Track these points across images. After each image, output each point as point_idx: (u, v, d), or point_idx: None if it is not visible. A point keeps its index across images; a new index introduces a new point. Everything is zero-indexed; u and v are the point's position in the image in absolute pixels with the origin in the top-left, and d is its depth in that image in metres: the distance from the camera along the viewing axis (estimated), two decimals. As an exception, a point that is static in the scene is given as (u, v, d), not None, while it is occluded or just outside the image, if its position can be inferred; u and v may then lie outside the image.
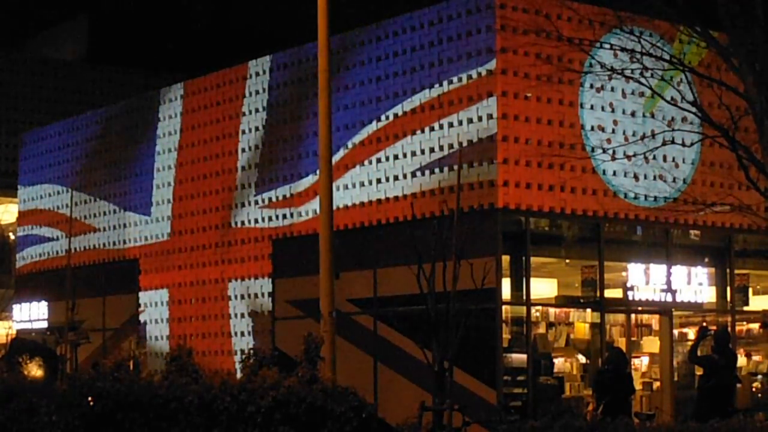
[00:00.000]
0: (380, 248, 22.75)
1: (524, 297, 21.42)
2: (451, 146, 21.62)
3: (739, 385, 20.59)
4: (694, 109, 16.06)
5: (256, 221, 25.89)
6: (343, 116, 23.60)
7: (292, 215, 24.99)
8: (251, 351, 15.00)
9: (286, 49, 25.97)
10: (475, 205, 20.94)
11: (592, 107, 22.01)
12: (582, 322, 23.16)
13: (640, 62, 16.31)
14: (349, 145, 23.59)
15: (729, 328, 22.80)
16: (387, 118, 22.99)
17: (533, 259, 21.67)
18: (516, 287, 21.56)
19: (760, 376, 24.84)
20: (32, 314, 33.50)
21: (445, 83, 21.89)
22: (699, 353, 18.97)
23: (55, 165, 32.98)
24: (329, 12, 17.65)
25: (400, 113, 22.73)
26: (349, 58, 23.96)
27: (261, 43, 34.21)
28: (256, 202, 25.91)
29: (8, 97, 41.27)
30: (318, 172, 18.30)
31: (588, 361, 23.00)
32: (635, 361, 23.25)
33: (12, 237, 39.34)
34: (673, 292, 23.23)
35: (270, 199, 25.54)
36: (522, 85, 21.16)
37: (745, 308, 24.79)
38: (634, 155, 18.89)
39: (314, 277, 17.96)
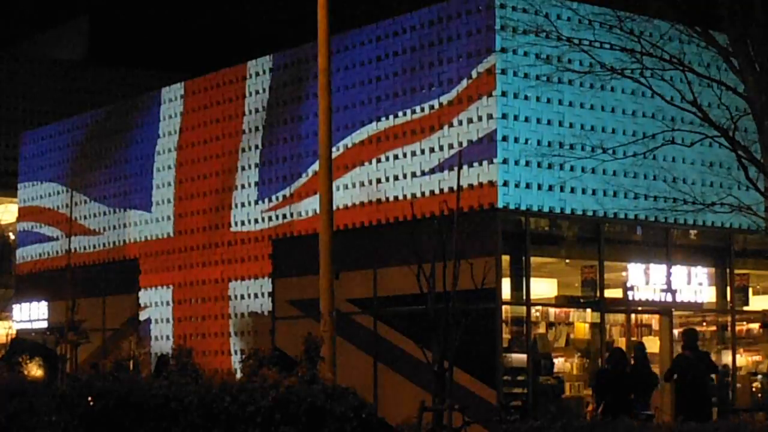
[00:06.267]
0: (380, 248, 22.75)
1: (524, 297, 21.42)
2: (451, 146, 21.62)
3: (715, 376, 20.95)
4: (694, 109, 16.07)
5: (256, 221, 25.89)
6: (343, 116, 23.60)
7: (291, 215, 25.00)
8: (251, 351, 15.00)
9: (286, 49, 25.98)
10: (475, 205, 20.94)
11: (592, 107, 22.01)
12: (582, 322, 23.15)
13: (640, 62, 16.32)
14: (349, 145, 23.60)
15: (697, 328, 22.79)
16: (387, 118, 22.99)
17: (533, 259, 21.67)
18: (516, 287, 21.56)
19: (760, 376, 24.84)
20: (32, 314, 33.50)
21: (445, 83, 21.89)
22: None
23: (54, 164, 32.99)
24: (329, 12, 17.65)
25: (400, 113, 22.72)
26: (349, 58, 23.95)
27: (261, 43, 34.22)
28: (256, 202, 25.91)
29: (8, 97, 41.27)
30: (318, 172, 18.30)
31: (588, 361, 23.00)
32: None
33: (12, 237, 39.36)
34: (673, 292, 23.23)
35: (270, 199, 25.54)
36: (522, 85, 21.17)
37: (745, 308, 24.78)
38: (634, 155, 18.89)
39: (314, 277, 17.96)
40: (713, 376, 20.72)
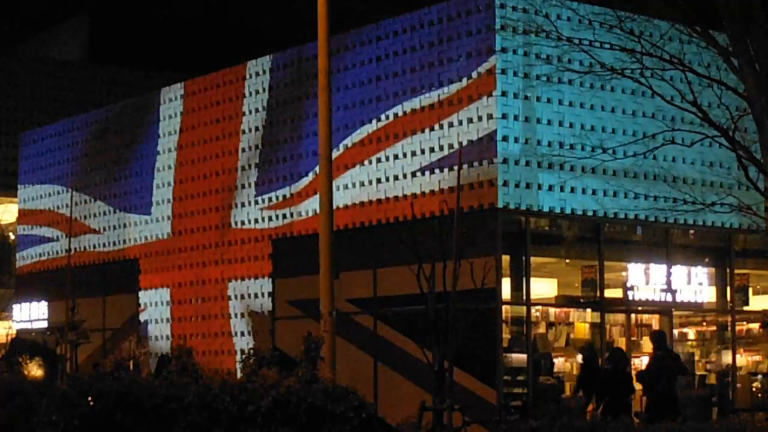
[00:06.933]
0: (380, 248, 22.75)
1: (524, 297, 21.42)
2: (451, 146, 21.63)
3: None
4: (694, 109, 16.07)
5: (256, 221, 25.89)
6: (343, 116, 23.61)
7: (291, 215, 25.00)
8: (251, 351, 15.01)
9: (285, 49, 25.98)
10: (475, 205, 20.94)
11: (592, 107, 22.02)
12: (582, 322, 23.15)
13: (640, 62, 16.32)
14: (348, 145, 23.62)
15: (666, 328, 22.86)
16: (387, 118, 23.00)
17: (533, 259, 21.67)
18: (516, 287, 21.56)
19: (760, 376, 24.84)
20: (32, 314, 33.50)
21: (445, 83, 21.89)
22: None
23: (55, 165, 32.99)
24: (329, 12, 17.65)
25: (400, 113, 22.74)
26: (349, 58, 23.97)
27: (261, 43, 34.21)
28: (256, 202, 25.91)
29: (8, 97, 41.26)
30: (318, 171, 18.31)
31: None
32: (635, 361, 23.23)
33: (12, 237, 39.35)
34: (673, 292, 23.23)
35: (270, 199, 25.55)
36: (522, 85, 21.18)
37: (745, 308, 24.78)
38: (634, 155, 18.90)
39: (314, 277, 17.96)
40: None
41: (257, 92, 26.23)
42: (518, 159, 21.05)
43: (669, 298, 23.17)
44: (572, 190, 21.55)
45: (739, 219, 21.62)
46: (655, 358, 19.87)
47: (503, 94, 21.03)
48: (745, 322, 25.27)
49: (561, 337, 23.02)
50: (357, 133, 23.52)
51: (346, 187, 23.54)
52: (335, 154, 21.38)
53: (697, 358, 24.59)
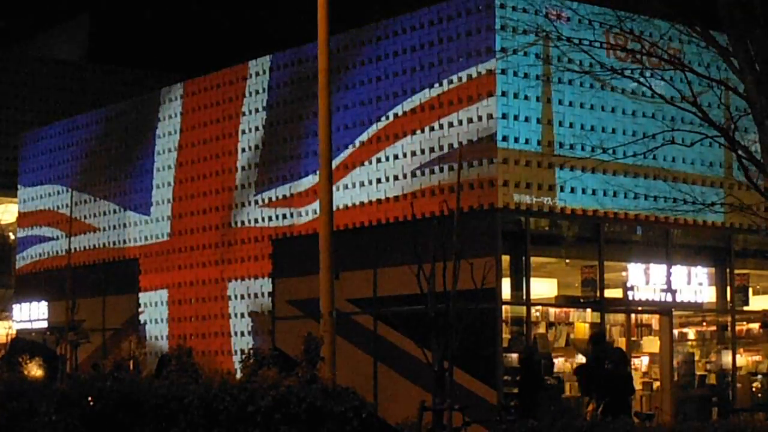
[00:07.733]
0: (380, 248, 22.75)
1: (524, 297, 21.42)
2: (451, 146, 21.63)
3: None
4: (694, 109, 16.05)
5: (256, 221, 25.89)
6: (343, 116, 23.61)
7: (292, 215, 25.00)
8: (251, 351, 15.02)
9: (286, 49, 25.99)
10: (475, 205, 20.95)
11: (592, 107, 22.02)
12: (582, 322, 23.15)
13: (640, 62, 16.31)
14: (350, 146, 23.61)
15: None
16: (387, 118, 23.00)
17: (533, 259, 21.68)
18: (516, 287, 21.56)
19: (760, 376, 24.84)
20: (32, 314, 33.50)
21: (445, 83, 21.90)
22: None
23: (55, 165, 33.00)
24: (329, 12, 17.66)
25: (400, 113, 22.75)
26: (349, 58, 23.97)
27: (261, 43, 34.22)
28: (256, 202, 25.92)
29: (8, 97, 41.24)
30: (318, 172, 18.32)
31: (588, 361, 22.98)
32: (635, 361, 23.25)
33: (12, 237, 39.35)
34: (673, 292, 23.23)
35: (270, 198, 25.55)
36: (522, 85, 21.18)
37: (745, 308, 24.78)
38: (634, 155, 18.89)
39: (314, 277, 17.97)
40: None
41: (257, 92, 26.23)
42: (518, 159, 21.05)
43: (669, 298, 23.17)
44: (572, 190, 21.55)
45: (739, 219, 21.60)
46: (593, 355, 19.91)
47: (503, 94, 21.04)
48: (745, 322, 25.27)
49: (561, 337, 23.02)
50: (358, 135, 23.52)
51: (346, 187, 23.54)
52: (338, 156, 21.38)
53: (697, 358, 24.60)
